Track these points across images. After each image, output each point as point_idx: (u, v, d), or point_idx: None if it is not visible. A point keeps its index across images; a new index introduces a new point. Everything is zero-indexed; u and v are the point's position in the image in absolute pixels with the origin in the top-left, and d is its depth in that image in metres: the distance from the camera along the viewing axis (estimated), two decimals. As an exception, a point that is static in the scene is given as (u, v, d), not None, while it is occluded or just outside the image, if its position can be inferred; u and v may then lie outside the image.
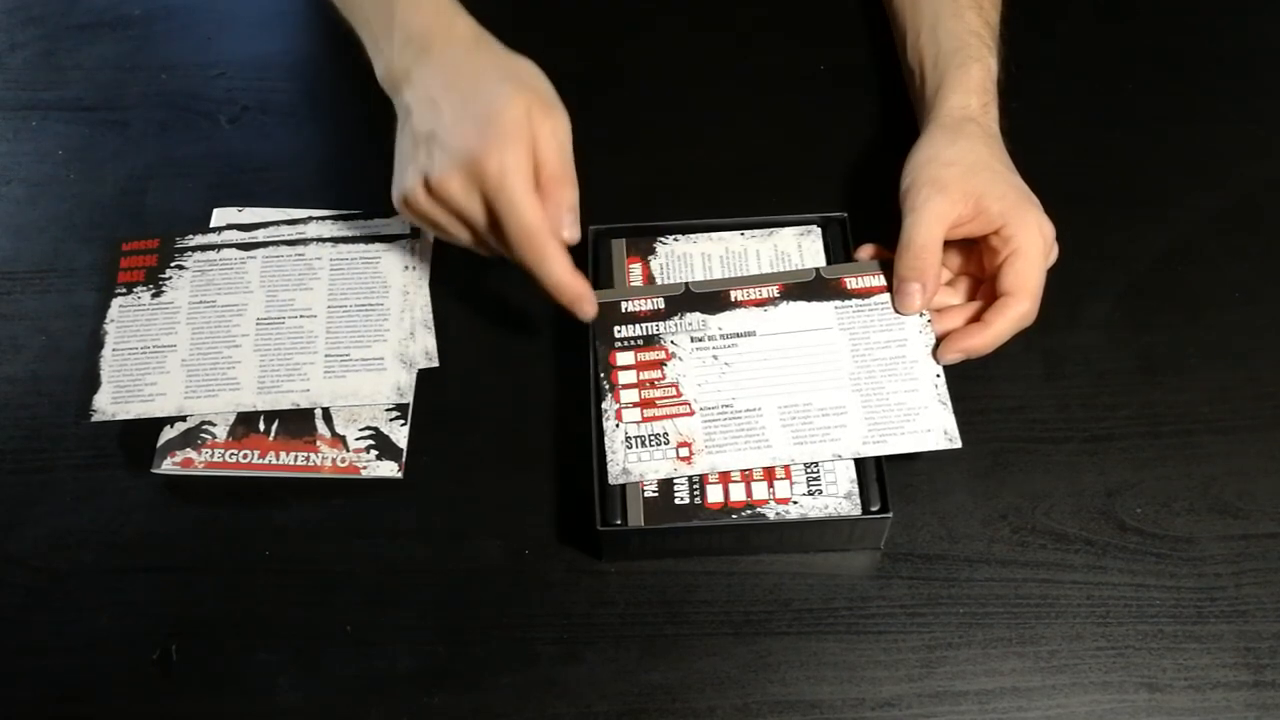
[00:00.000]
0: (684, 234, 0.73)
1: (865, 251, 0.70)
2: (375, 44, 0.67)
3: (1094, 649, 0.62)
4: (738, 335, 0.67)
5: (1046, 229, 0.67)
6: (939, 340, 0.66)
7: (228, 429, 0.69)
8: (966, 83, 0.71)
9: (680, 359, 0.67)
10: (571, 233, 0.64)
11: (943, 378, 0.65)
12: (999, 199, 0.66)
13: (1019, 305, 0.65)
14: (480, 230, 0.64)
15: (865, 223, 0.74)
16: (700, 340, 0.67)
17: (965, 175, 0.67)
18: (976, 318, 0.66)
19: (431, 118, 0.63)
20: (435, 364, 0.71)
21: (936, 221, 0.66)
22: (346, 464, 0.68)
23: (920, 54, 0.75)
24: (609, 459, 0.64)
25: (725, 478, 0.64)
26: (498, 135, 0.61)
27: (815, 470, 0.64)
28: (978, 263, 0.69)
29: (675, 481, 0.63)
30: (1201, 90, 0.83)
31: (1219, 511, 0.66)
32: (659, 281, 0.71)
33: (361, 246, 0.74)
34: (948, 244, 0.67)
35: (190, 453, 0.68)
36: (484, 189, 0.61)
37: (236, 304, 0.72)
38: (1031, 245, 0.65)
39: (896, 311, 0.67)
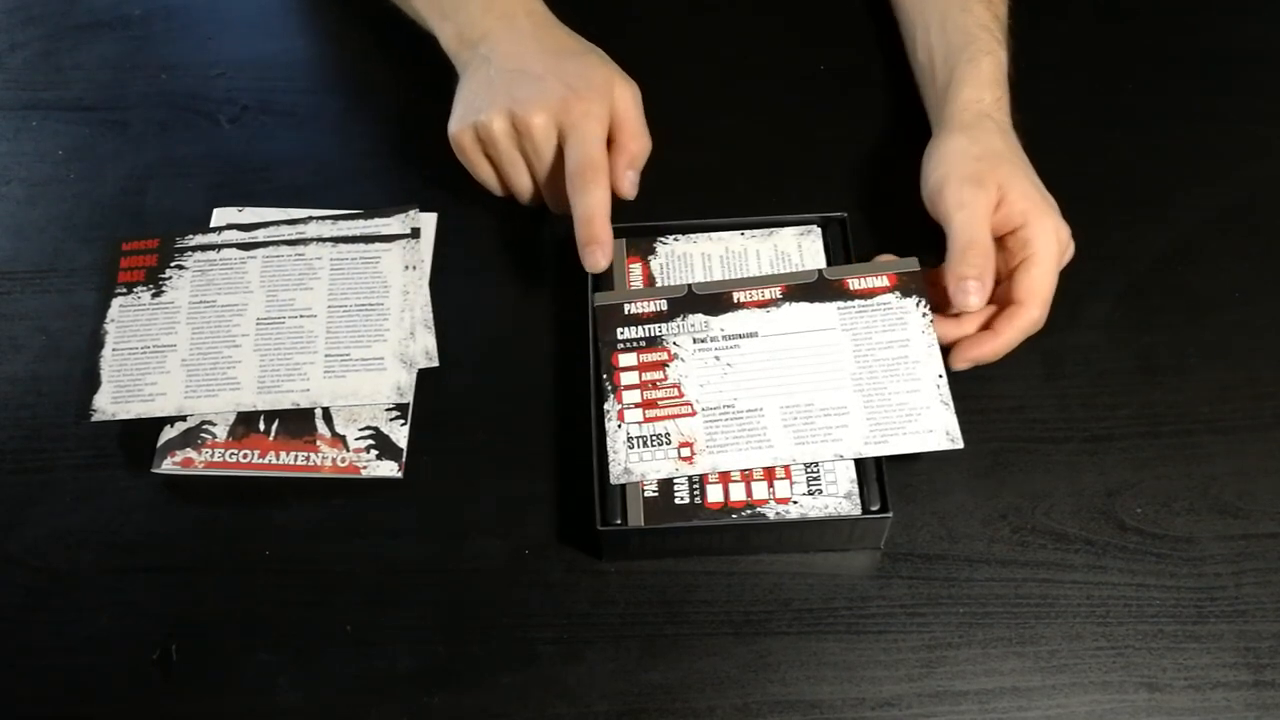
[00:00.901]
0: (684, 234, 0.73)
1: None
2: (443, 11, 0.75)
3: (1094, 649, 0.62)
4: (740, 336, 0.67)
5: (1063, 233, 0.67)
6: (948, 348, 0.66)
7: (228, 429, 0.69)
8: (978, 76, 0.71)
9: (682, 360, 0.67)
10: (629, 186, 0.71)
11: (944, 378, 0.65)
12: (1022, 195, 0.66)
13: (1029, 313, 0.65)
14: (540, 166, 0.71)
15: (865, 223, 0.74)
16: (703, 341, 0.67)
17: (994, 166, 0.68)
18: (986, 323, 0.67)
19: (520, 68, 0.71)
20: (435, 364, 0.71)
21: (986, 216, 0.66)
22: (346, 464, 0.68)
23: (930, 49, 0.75)
24: (610, 459, 0.64)
25: (725, 478, 0.64)
26: (587, 89, 0.69)
27: (815, 470, 0.64)
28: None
29: (675, 481, 0.63)
30: (1201, 90, 0.83)
31: (1219, 511, 0.66)
32: (659, 281, 0.71)
33: (361, 246, 0.74)
34: None
35: (190, 452, 0.68)
36: (563, 127, 0.69)
37: (236, 304, 0.72)
38: (1047, 251, 0.66)
39: (956, 308, 0.66)
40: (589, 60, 0.72)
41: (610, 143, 0.70)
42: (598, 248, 0.67)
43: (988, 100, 0.71)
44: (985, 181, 0.67)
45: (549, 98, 0.69)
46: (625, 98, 0.71)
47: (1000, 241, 0.68)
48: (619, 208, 0.75)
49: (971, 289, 0.65)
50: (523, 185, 0.73)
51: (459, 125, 0.71)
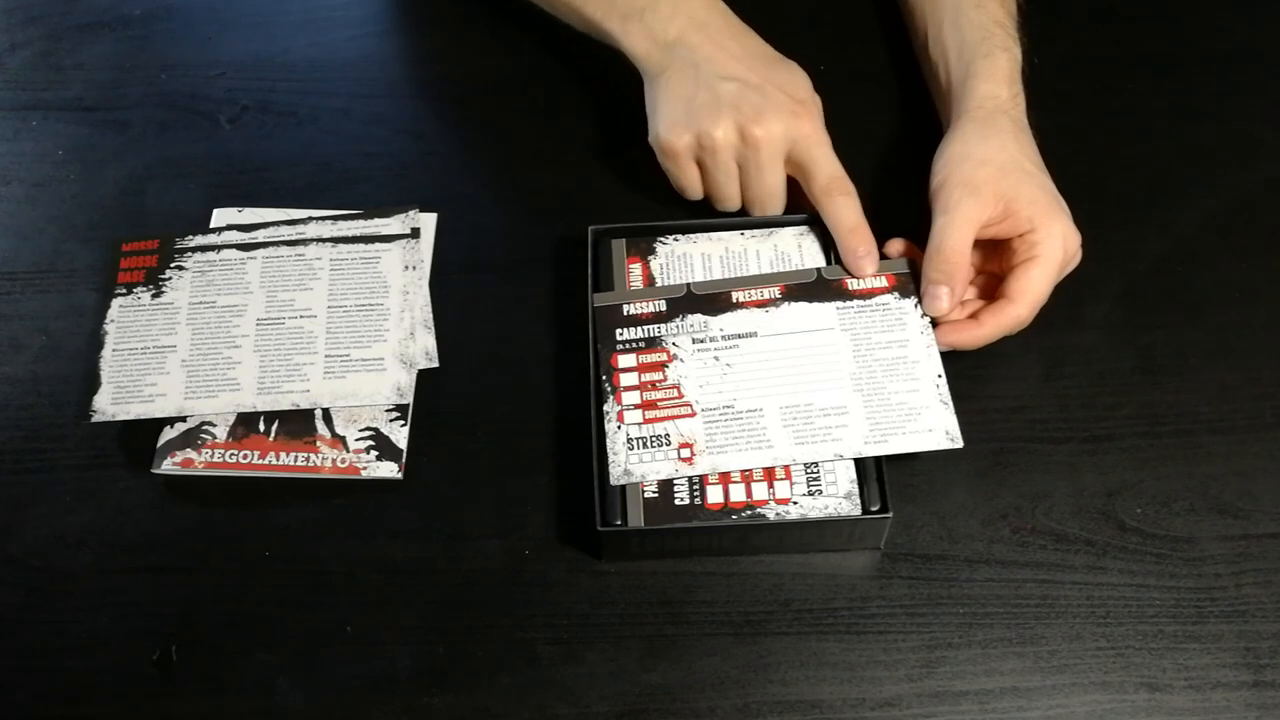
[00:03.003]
0: (684, 234, 0.73)
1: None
2: (624, 13, 0.73)
3: (1094, 649, 0.62)
4: (739, 336, 0.67)
5: (1071, 240, 0.67)
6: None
7: (228, 429, 0.69)
8: (995, 72, 0.72)
9: (682, 360, 0.67)
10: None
11: (944, 378, 0.65)
12: (1030, 203, 0.66)
13: (1015, 311, 0.66)
14: (761, 177, 0.71)
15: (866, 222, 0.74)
16: (702, 341, 0.67)
17: (997, 176, 0.67)
18: (974, 312, 0.67)
19: (733, 76, 0.70)
20: (435, 364, 0.71)
21: (968, 225, 0.66)
22: (346, 464, 0.68)
23: (943, 45, 0.75)
24: (610, 460, 0.64)
25: (725, 478, 0.64)
26: (809, 101, 0.71)
27: (815, 470, 0.64)
28: (998, 262, 0.69)
29: (675, 482, 0.63)
30: (1201, 90, 0.83)
31: (1219, 511, 0.66)
32: (659, 281, 0.71)
33: (361, 246, 0.74)
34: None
35: (190, 453, 0.68)
36: (798, 141, 0.69)
37: (236, 304, 0.72)
38: (1050, 256, 0.66)
39: (923, 312, 0.67)
40: (794, 70, 0.72)
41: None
42: (866, 254, 0.68)
43: (1004, 96, 0.71)
44: (982, 190, 0.66)
45: (780, 112, 0.69)
46: (821, 110, 0.72)
47: (1008, 243, 0.68)
48: (615, 210, 0.75)
49: (941, 294, 0.66)
50: (734, 194, 0.72)
51: (675, 131, 0.70)
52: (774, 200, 0.72)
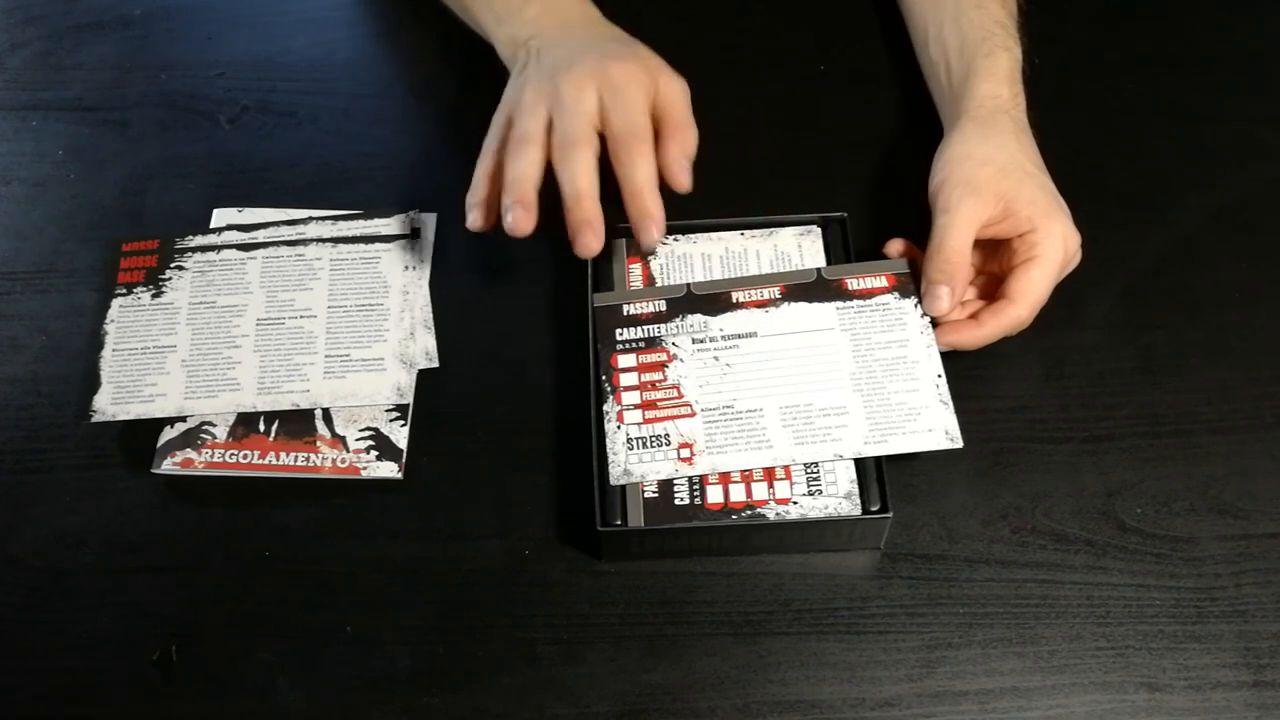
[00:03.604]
0: (684, 234, 0.73)
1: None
2: (499, 17, 0.74)
3: (1094, 649, 0.62)
4: (739, 336, 0.67)
5: (1071, 240, 0.67)
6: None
7: (228, 429, 0.69)
8: (996, 72, 0.71)
9: (682, 360, 0.67)
10: (685, 179, 0.67)
11: (944, 378, 0.65)
12: (1029, 203, 0.66)
13: (1016, 311, 0.66)
14: (564, 121, 0.66)
15: (865, 223, 0.74)
16: (702, 342, 0.67)
17: (998, 176, 0.67)
18: (974, 313, 0.67)
19: (566, 54, 0.69)
20: (435, 364, 0.71)
21: (969, 224, 0.66)
22: (346, 464, 0.68)
23: (944, 45, 0.75)
24: (610, 460, 0.64)
25: (725, 478, 0.64)
26: (631, 57, 0.68)
27: (815, 470, 0.64)
28: (998, 262, 0.69)
29: (675, 482, 0.63)
30: (1201, 90, 0.83)
31: (1219, 511, 0.66)
32: (659, 281, 0.71)
33: (361, 246, 0.74)
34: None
35: (190, 453, 0.68)
36: (603, 93, 0.66)
37: (236, 304, 0.72)
38: (1051, 257, 0.66)
39: (923, 312, 0.67)
40: (636, 46, 0.70)
41: (658, 134, 0.67)
42: (651, 223, 0.66)
43: (1005, 96, 0.71)
44: (983, 190, 0.66)
45: (586, 64, 0.67)
46: (672, 88, 0.68)
47: (1008, 243, 0.68)
48: (615, 210, 0.75)
49: (941, 294, 0.66)
50: (532, 160, 0.66)
51: (501, 107, 0.70)
52: (579, 148, 0.66)
